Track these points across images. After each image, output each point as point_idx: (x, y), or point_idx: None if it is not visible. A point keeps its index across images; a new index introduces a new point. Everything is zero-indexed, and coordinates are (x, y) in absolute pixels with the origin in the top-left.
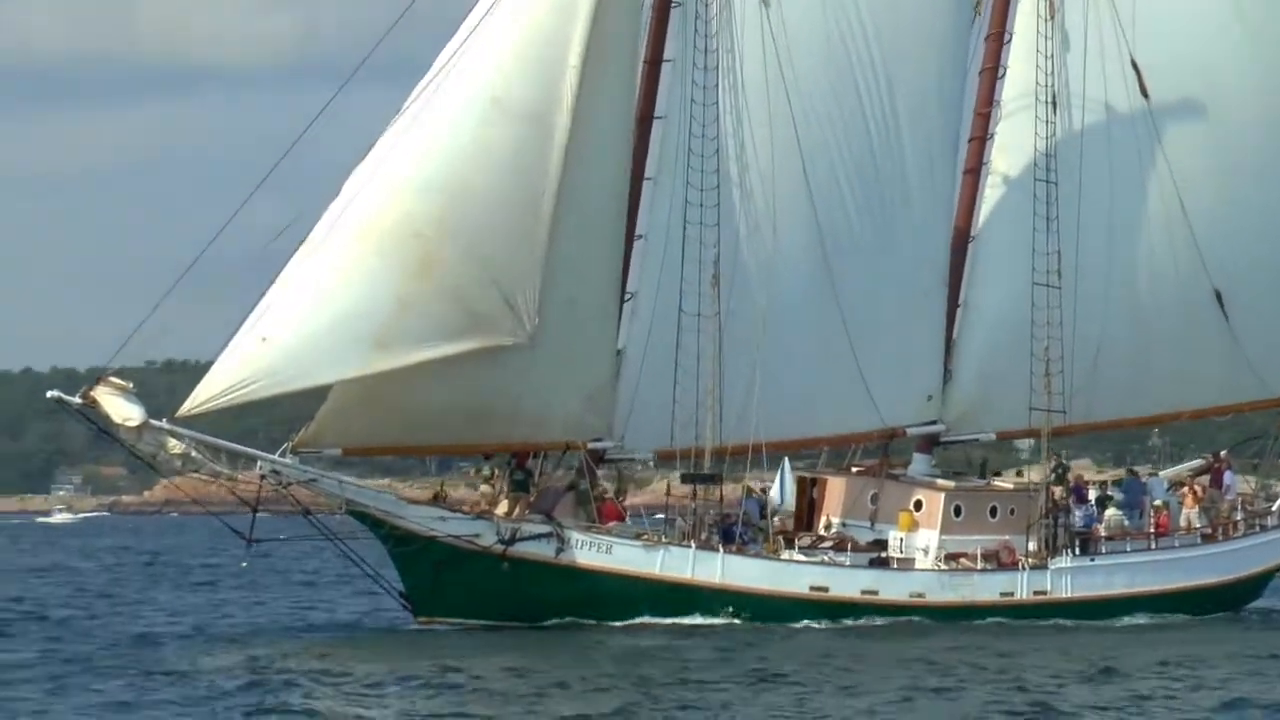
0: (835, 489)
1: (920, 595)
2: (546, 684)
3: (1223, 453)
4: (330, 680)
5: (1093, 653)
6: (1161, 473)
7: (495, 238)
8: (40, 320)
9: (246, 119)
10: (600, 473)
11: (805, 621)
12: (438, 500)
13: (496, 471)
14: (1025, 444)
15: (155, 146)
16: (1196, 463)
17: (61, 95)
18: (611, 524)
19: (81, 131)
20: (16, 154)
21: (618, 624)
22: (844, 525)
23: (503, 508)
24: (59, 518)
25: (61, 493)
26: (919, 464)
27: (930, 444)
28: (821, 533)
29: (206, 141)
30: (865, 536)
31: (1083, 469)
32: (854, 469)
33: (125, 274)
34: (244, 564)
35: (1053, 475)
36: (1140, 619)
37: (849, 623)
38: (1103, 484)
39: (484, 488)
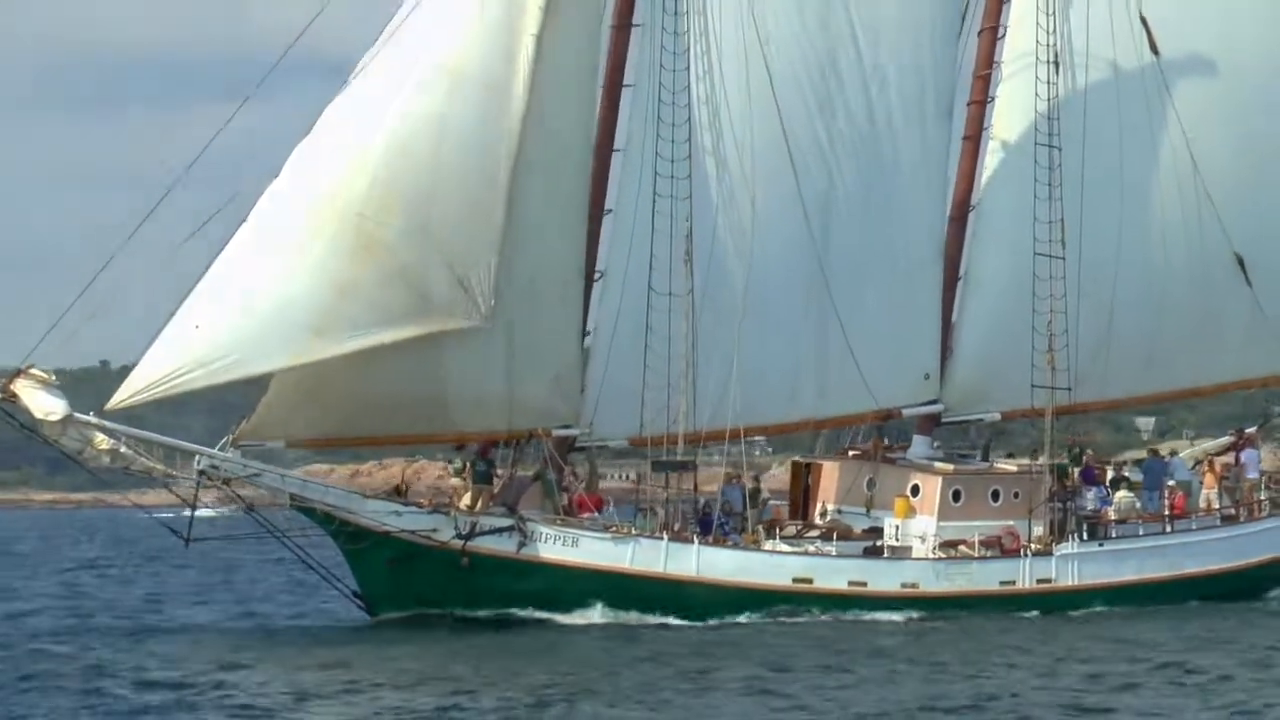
0: (830, 474)
1: (913, 586)
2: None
3: (1248, 429)
4: None
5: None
6: (1183, 451)
7: (447, 215)
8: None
9: None
10: (575, 462)
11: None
12: (398, 493)
13: (469, 464)
14: (1146, 424)
15: None
16: (1223, 440)
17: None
18: (585, 516)
19: None
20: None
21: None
22: (839, 512)
23: (465, 500)
24: (203, 513)
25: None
26: (919, 446)
27: (931, 425)
28: (814, 520)
29: None
30: (861, 524)
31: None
32: (850, 452)
33: None
34: None
35: (1067, 457)
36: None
37: (824, 617)
38: (1119, 465)
39: (455, 480)
